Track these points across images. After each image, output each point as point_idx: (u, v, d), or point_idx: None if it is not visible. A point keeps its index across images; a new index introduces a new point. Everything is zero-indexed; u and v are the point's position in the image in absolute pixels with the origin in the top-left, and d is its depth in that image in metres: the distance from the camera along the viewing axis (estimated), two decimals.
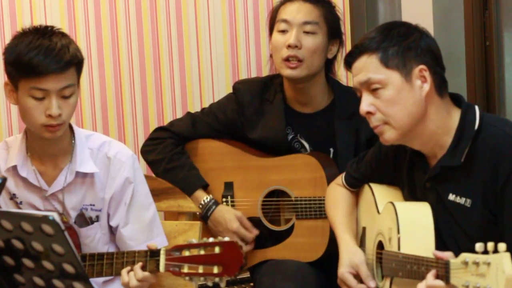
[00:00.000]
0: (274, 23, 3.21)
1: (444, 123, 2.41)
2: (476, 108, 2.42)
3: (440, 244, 2.38)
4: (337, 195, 2.84)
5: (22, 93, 2.60)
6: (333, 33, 3.20)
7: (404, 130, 2.39)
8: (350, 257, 2.61)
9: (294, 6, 3.17)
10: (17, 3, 3.72)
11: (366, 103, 2.41)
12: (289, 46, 3.11)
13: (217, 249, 2.37)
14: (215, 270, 2.35)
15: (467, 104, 2.43)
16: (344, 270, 2.60)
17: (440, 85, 2.41)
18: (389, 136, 2.41)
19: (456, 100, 2.46)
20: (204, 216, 3.20)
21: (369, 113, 2.41)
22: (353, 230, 2.75)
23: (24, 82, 2.58)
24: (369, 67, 2.40)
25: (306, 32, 3.14)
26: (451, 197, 2.41)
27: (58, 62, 2.55)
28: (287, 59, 3.12)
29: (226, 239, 2.38)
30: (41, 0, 3.72)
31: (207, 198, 3.21)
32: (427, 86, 2.38)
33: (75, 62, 2.61)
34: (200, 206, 3.19)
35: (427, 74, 2.38)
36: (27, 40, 2.58)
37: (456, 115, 2.42)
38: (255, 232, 3.21)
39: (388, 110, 2.38)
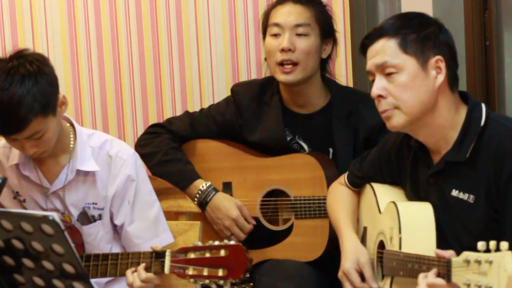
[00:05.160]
0: (266, 27, 3.20)
1: (451, 118, 2.42)
2: (483, 105, 2.44)
3: (442, 241, 2.39)
4: (339, 193, 2.84)
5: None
6: (326, 32, 3.19)
7: (413, 117, 2.40)
8: (357, 255, 2.62)
9: (285, 9, 3.16)
10: (17, 3, 3.72)
11: (378, 87, 2.42)
12: (282, 50, 3.11)
13: (222, 252, 2.37)
14: (220, 273, 2.36)
15: (474, 102, 2.45)
16: (349, 266, 2.60)
17: (452, 80, 2.44)
18: (397, 121, 2.42)
19: (463, 97, 2.47)
20: (202, 203, 3.18)
21: (380, 96, 2.42)
22: (355, 228, 2.75)
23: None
24: (387, 50, 2.41)
25: (299, 35, 3.13)
26: (454, 193, 2.41)
27: (15, 126, 2.50)
28: (281, 64, 3.12)
29: (232, 242, 2.39)
30: (41, 0, 3.72)
31: (206, 184, 3.19)
32: (441, 77, 2.40)
33: (34, 114, 2.50)
34: (199, 192, 3.18)
35: (443, 65, 2.40)
36: None
37: (463, 111, 2.43)
38: (253, 222, 3.20)
39: (401, 95, 2.39)
